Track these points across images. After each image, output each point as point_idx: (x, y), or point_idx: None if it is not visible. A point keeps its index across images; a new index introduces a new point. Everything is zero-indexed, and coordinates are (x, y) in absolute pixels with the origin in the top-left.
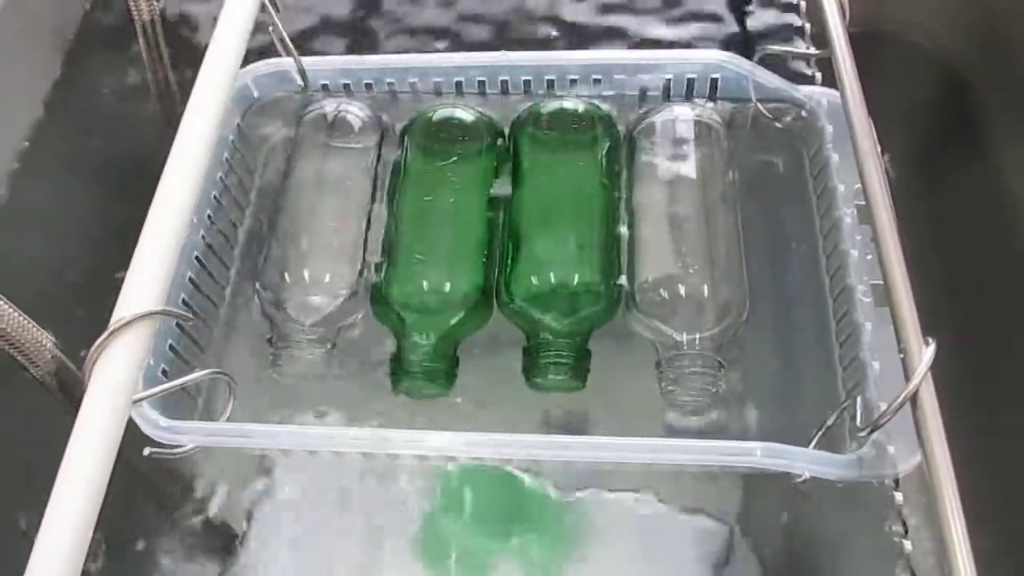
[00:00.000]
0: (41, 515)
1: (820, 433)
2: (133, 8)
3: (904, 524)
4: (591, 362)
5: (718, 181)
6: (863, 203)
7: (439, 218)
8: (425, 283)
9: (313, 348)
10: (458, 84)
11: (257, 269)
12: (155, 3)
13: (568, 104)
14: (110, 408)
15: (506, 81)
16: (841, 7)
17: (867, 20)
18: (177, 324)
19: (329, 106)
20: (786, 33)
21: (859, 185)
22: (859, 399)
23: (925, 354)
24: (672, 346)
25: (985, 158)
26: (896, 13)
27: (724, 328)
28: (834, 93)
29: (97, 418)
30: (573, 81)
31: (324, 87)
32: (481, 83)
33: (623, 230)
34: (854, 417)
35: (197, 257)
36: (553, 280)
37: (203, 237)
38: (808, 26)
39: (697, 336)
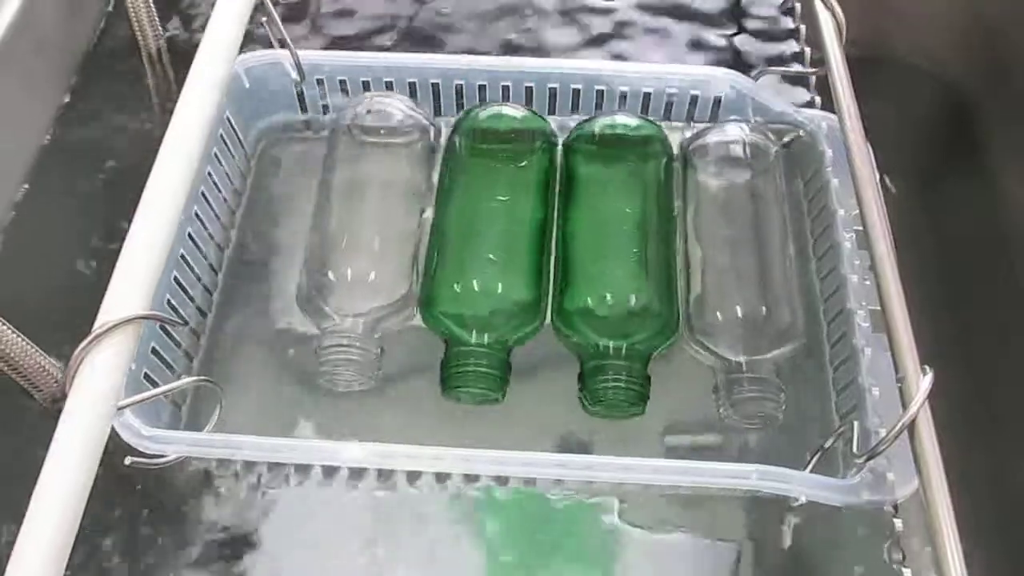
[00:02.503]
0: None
1: (816, 457)
2: (139, 36)
3: (903, 551)
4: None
5: (772, 202)
6: (862, 228)
7: (492, 220)
8: (477, 284)
9: (361, 354)
10: (459, 88)
11: (301, 272)
12: (161, 32)
13: (623, 120)
14: (92, 415)
15: (508, 87)
16: (838, 26)
17: (869, 43)
18: (162, 328)
19: (368, 101)
20: (785, 60)
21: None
22: (855, 424)
23: (923, 383)
24: (730, 369)
25: (987, 178)
26: (898, 36)
27: (783, 351)
28: (833, 117)
29: (79, 425)
30: (576, 91)
31: (319, 82)
32: (482, 87)
33: (679, 251)
34: (849, 442)
35: (183, 256)
36: (610, 300)
37: (190, 235)
38: (808, 50)
39: (756, 359)
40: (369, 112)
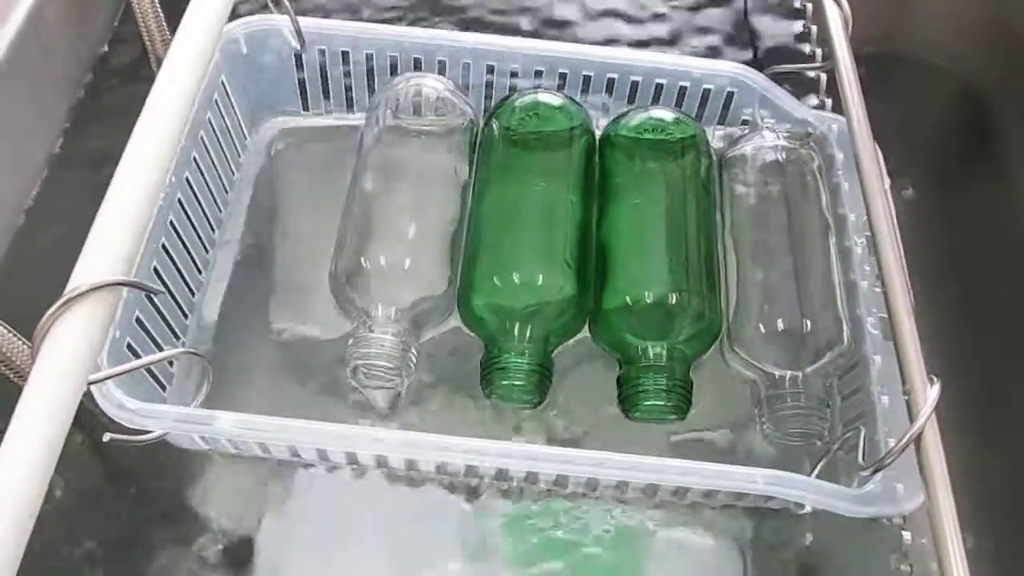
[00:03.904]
0: None
1: (822, 463)
2: (147, 41)
3: (910, 564)
4: (600, 381)
5: (813, 211)
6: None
7: (532, 211)
8: (518, 277)
9: (394, 345)
10: (466, 66)
11: (333, 259)
12: (169, 36)
13: (660, 114)
14: (59, 387)
15: (516, 70)
16: (845, 20)
17: (886, 41)
18: (148, 299)
19: (405, 82)
20: (795, 62)
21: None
22: (862, 433)
23: (930, 394)
24: (773, 384)
25: (1005, 179)
26: (915, 34)
27: (826, 361)
28: (843, 119)
29: (44, 399)
30: (587, 78)
31: (321, 52)
32: (490, 67)
33: (720, 259)
34: (851, 449)
35: (171, 223)
36: (649, 299)
37: (179, 202)
38: (819, 51)
39: (800, 373)
40: (410, 94)
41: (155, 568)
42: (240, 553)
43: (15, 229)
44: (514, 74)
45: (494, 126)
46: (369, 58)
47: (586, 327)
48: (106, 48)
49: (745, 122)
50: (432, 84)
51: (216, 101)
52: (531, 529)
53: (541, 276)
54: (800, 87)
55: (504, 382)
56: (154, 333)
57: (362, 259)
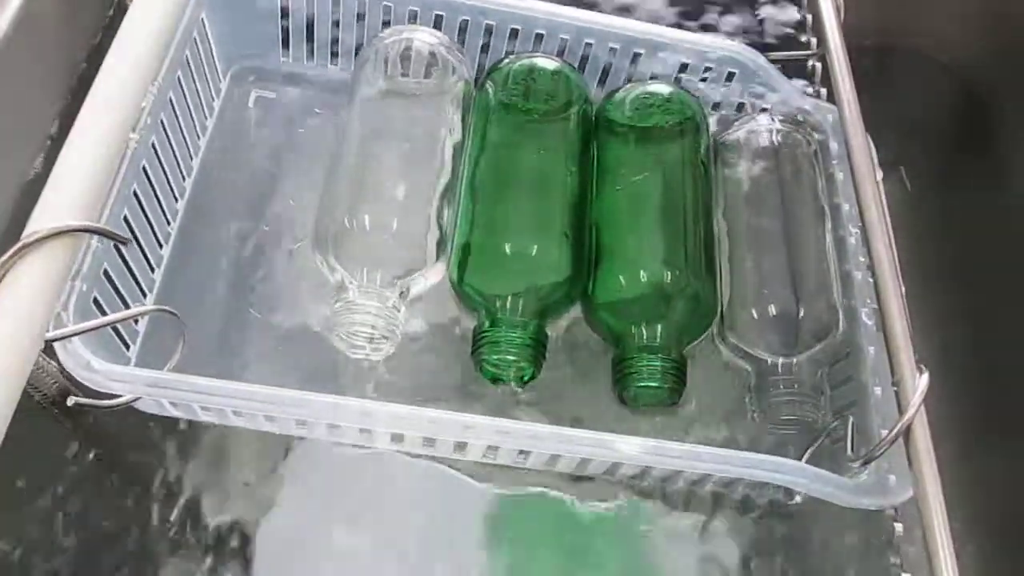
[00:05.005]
0: None
1: (811, 450)
2: None
3: (900, 556)
4: (599, 369)
5: (807, 196)
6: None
7: (527, 181)
8: (510, 248)
9: (379, 310)
10: (463, 24)
11: (316, 223)
12: None
13: (657, 89)
14: (13, 337)
15: (517, 30)
16: (836, 8)
17: (885, 34)
18: (115, 248)
19: (397, 35)
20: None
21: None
22: (851, 422)
23: (919, 384)
24: (764, 371)
25: (1003, 172)
26: (913, 26)
27: (819, 348)
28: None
29: None
30: (589, 45)
31: None
32: (489, 28)
33: (716, 239)
34: (839, 439)
35: (144, 169)
36: (644, 279)
37: (153, 146)
38: (814, 41)
39: (792, 360)
40: (400, 48)
41: (152, 548)
42: (238, 536)
43: (12, 211)
44: (513, 36)
45: (489, 89)
46: (361, 5)
47: (578, 309)
48: (100, 36)
49: (741, 106)
50: (424, 38)
51: (195, 39)
52: (530, 514)
53: (538, 247)
54: (796, 76)
55: (495, 356)
56: (120, 287)
57: (348, 221)
